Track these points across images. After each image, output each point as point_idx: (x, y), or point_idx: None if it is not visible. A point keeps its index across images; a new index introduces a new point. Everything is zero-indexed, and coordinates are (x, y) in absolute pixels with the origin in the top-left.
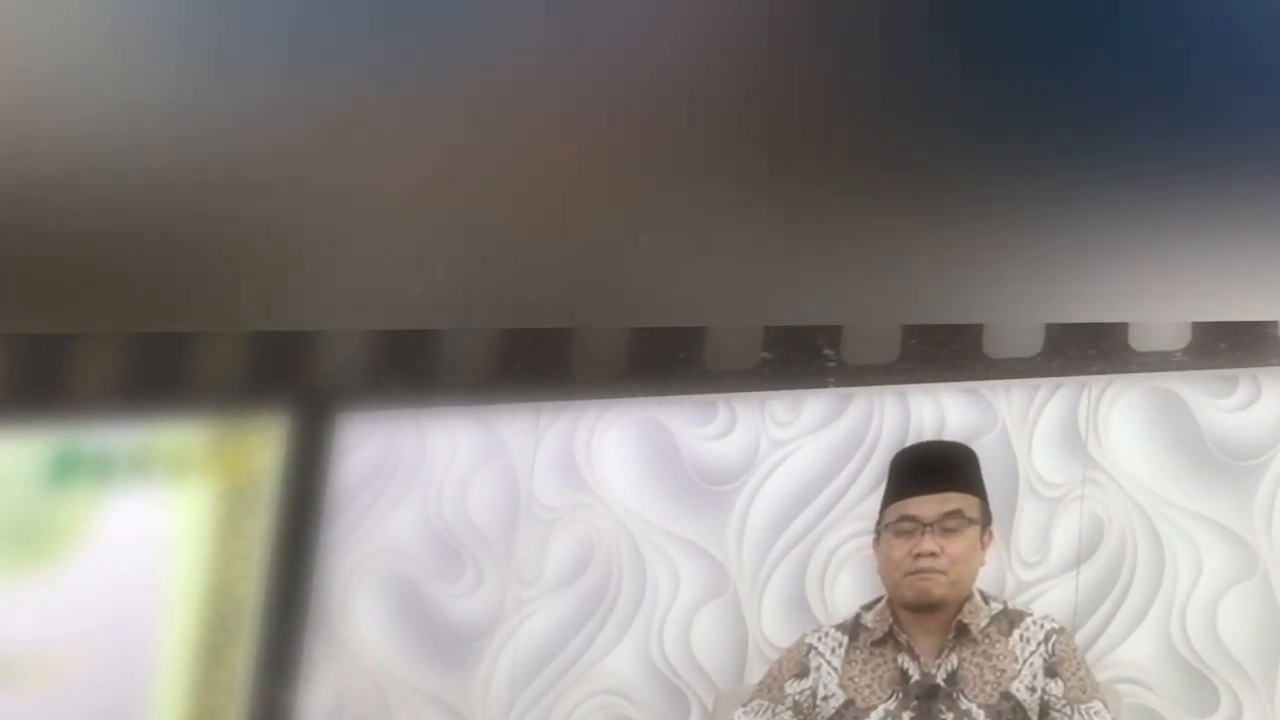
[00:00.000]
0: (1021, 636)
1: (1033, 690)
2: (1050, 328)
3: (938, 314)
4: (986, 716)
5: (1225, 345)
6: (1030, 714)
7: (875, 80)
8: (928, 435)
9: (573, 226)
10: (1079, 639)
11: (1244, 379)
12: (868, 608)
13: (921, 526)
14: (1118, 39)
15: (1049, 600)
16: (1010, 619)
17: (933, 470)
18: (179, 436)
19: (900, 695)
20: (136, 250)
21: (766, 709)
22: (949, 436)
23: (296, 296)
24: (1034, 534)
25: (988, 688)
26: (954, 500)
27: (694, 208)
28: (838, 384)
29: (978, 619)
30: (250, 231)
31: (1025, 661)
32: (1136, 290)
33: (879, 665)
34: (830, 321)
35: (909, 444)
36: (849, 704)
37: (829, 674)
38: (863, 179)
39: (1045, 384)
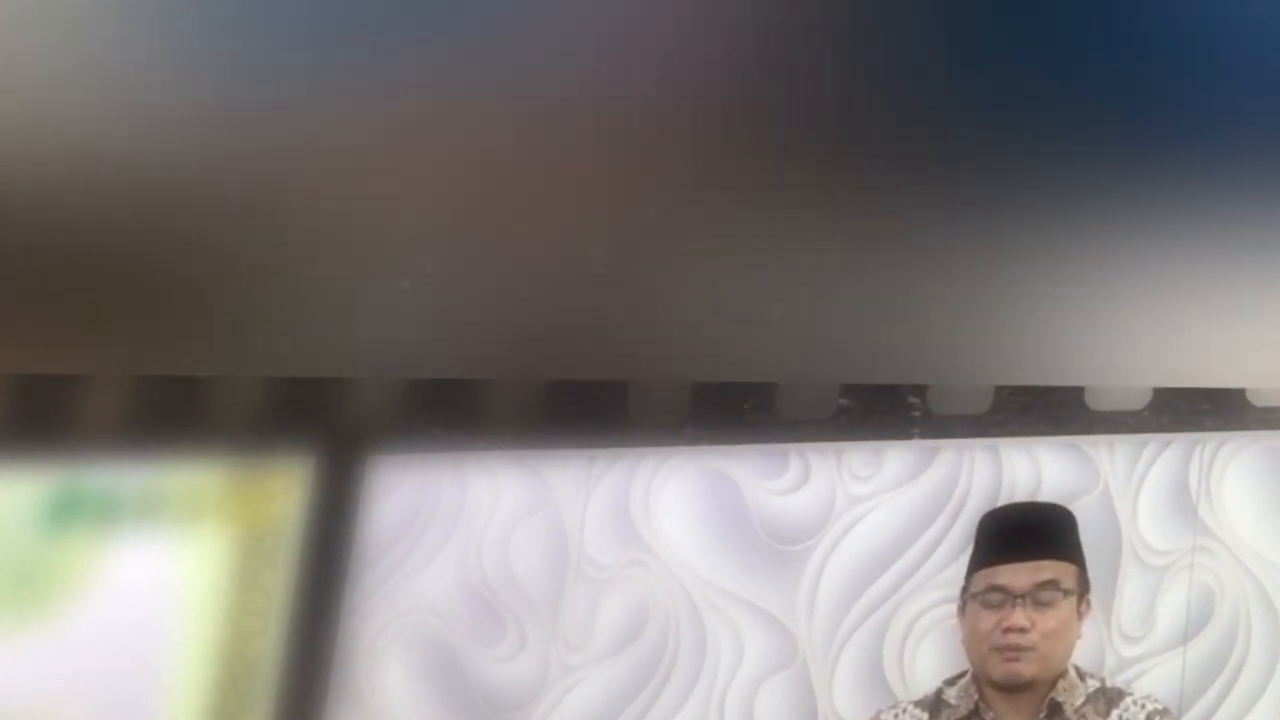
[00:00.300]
0: (1121, 718)
1: None
2: None
3: (1033, 375)
4: None
5: None
6: None
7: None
8: (1021, 495)
9: (630, 271)
10: None
11: None
12: (951, 683)
13: (1011, 598)
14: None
15: (1153, 679)
16: (1109, 698)
17: (1026, 535)
18: (191, 477)
19: None
20: (143, 288)
21: None
22: (1045, 497)
23: (319, 340)
24: (1137, 605)
25: None
26: (1048, 569)
27: (764, 255)
28: (923, 436)
29: (1072, 697)
30: (268, 269)
31: None
32: (1253, 352)
33: None
34: (913, 381)
35: (1000, 504)
36: None
37: None
38: (951, 226)
39: (1153, 441)
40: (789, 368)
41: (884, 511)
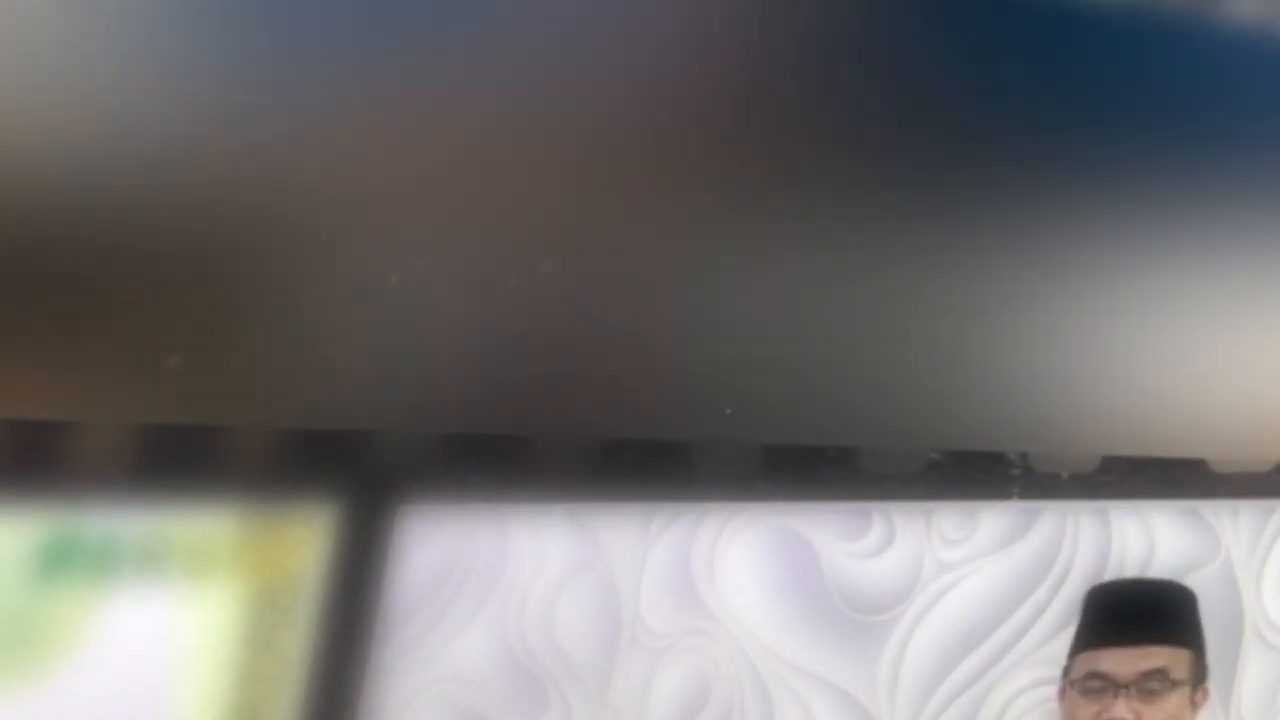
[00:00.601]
0: None
1: None
2: None
3: (1146, 445)
4: None
5: None
6: None
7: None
8: (1133, 565)
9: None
10: None
11: None
12: None
13: (1114, 687)
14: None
15: None
16: None
17: (1134, 617)
18: (200, 525)
19: None
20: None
21: None
22: (1160, 568)
23: (343, 390)
24: (1260, 692)
25: None
26: (1158, 656)
27: (845, 308)
28: (1023, 496)
29: None
30: (287, 309)
31: None
32: None
33: None
34: (1009, 449)
35: (1108, 578)
36: None
37: None
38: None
39: None
40: (871, 432)
41: (977, 580)
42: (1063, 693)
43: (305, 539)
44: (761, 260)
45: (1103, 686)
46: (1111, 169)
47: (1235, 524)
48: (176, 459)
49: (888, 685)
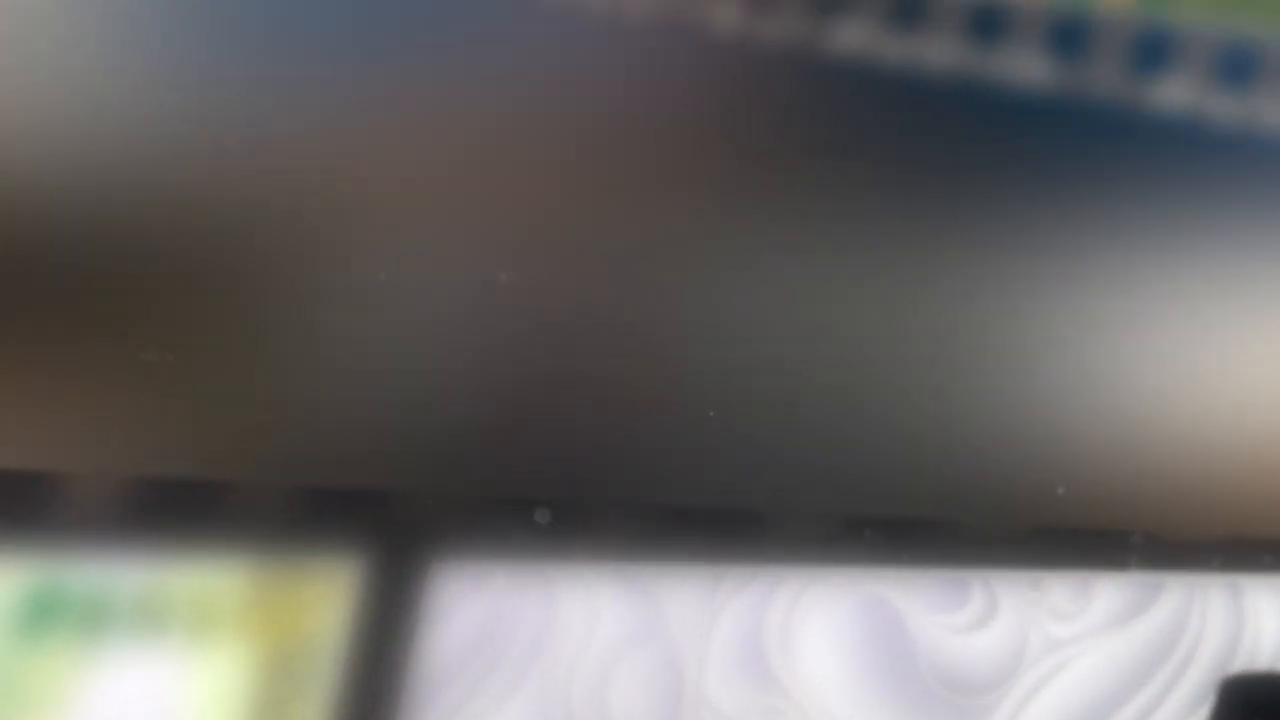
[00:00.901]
0: None
1: None
2: None
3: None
4: None
5: None
6: None
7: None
8: (1270, 647)
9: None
10: None
11: None
12: None
13: None
14: None
15: None
16: None
17: (1274, 714)
18: (206, 580)
19: None
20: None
21: None
22: None
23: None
24: None
25: None
26: None
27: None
28: (1142, 566)
29: None
30: (304, 358)
31: None
32: None
33: None
34: (1125, 528)
35: (1242, 666)
36: None
37: None
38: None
39: None
40: (966, 508)
41: (1091, 660)
42: None
43: (324, 599)
44: (851, 325)
45: None
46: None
47: None
48: (179, 507)
49: None
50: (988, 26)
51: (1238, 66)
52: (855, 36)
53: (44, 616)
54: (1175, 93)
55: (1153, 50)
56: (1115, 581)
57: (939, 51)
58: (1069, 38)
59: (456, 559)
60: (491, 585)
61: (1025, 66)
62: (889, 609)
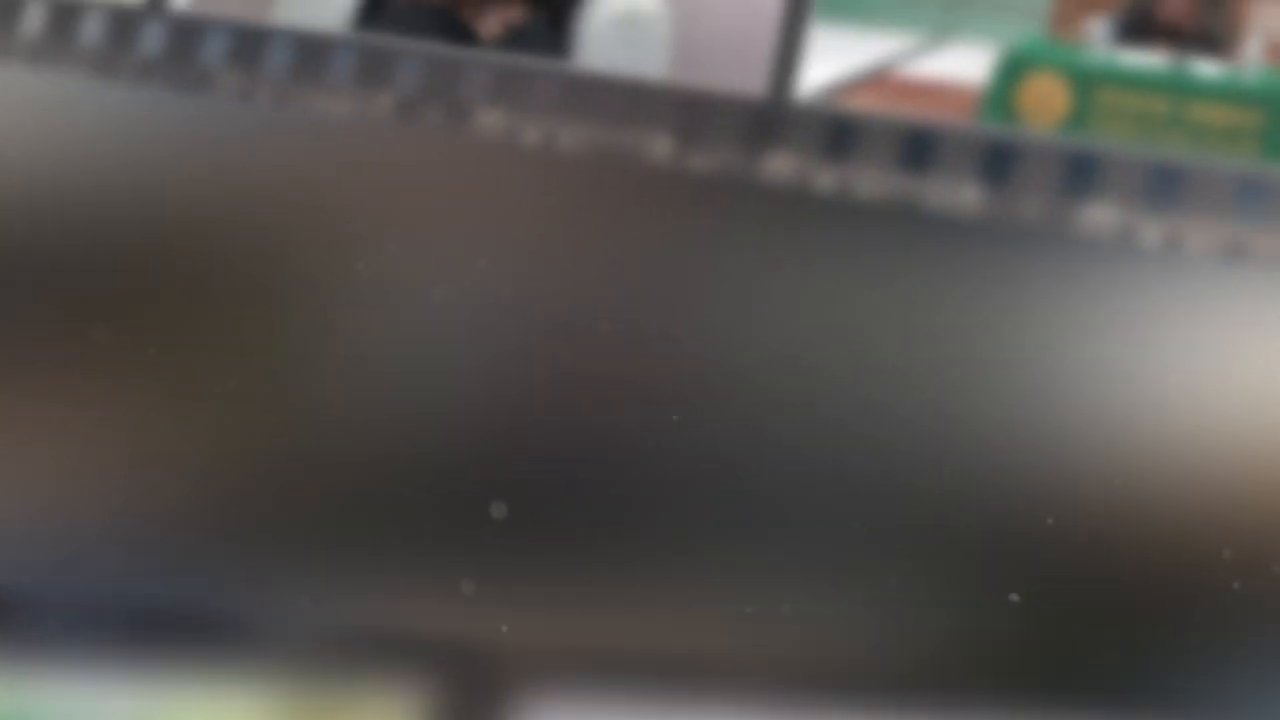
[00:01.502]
0: None
1: None
2: None
3: None
4: None
5: None
6: None
7: None
8: None
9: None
10: None
11: None
12: None
13: None
14: None
15: None
16: None
17: None
18: (228, 700)
19: None
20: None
21: None
22: None
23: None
24: None
25: None
26: None
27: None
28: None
29: None
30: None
31: None
32: None
33: None
34: None
35: None
36: None
37: None
38: None
39: None
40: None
41: None
42: None
43: None
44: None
45: None
46: None
47: None
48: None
49: None
50: (917, 154)
51: (1164, 189)
52: (785, 165)
53: None
54: (1102, 215)
55: (1080, 174)
56: None
57: (869, 180)
58: (997, 163)
59: (542, 681)
60: (583, 713)
61: (954, 192)
62: None
